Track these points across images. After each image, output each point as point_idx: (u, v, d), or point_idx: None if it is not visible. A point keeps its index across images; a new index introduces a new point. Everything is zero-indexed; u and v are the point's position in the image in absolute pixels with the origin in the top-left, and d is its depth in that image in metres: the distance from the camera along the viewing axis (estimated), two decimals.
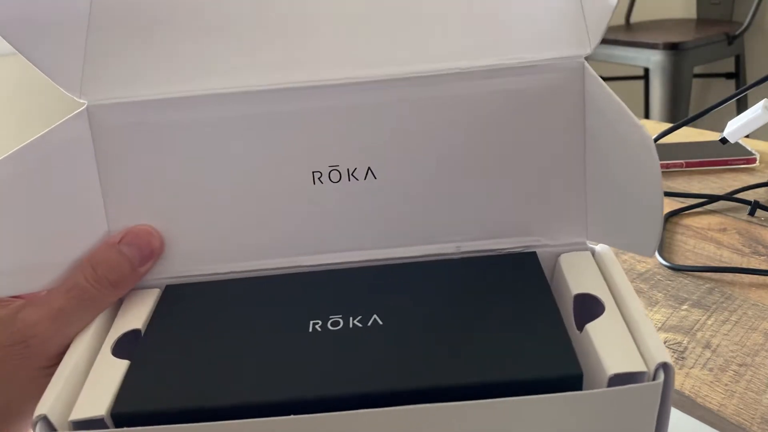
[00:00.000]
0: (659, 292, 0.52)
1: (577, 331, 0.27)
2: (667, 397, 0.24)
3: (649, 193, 0.28)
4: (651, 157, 0.27)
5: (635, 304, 0.27)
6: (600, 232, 0.31)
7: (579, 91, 0.30)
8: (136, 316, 0.29)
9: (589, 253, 0.31)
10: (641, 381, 0.24)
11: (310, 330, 0.27)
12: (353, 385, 0.24)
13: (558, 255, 0.31)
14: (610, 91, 0.29)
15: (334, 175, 0.31)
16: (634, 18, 2.18)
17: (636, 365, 0.24)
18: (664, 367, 0.24)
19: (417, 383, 0.24)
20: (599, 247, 0.31)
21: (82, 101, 0.30)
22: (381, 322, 0.27)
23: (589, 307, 0.28)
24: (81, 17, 0.31)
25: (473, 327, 0.27)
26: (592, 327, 0.26)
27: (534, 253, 0.31)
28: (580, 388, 0.24)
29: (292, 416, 0.23)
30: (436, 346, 0.26)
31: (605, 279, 0.29)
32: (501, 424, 0.24)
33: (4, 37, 0.28)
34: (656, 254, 0.57)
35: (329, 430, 0.24)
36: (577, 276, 0.29)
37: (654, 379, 0.24)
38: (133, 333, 0.29)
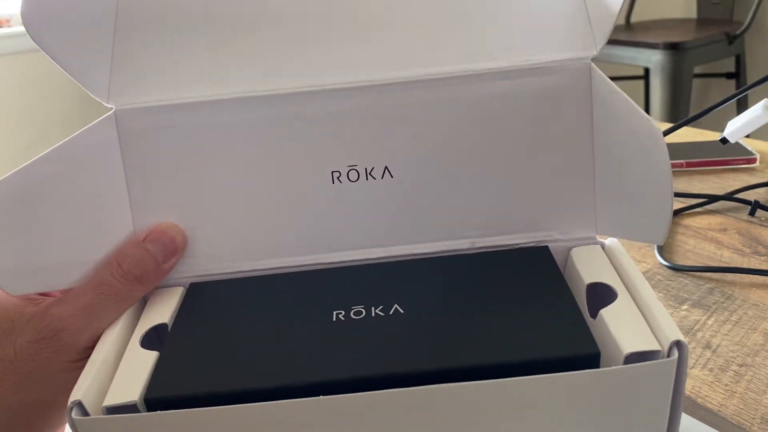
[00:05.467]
0: (659, 292, 0.52)
1: (591, 319, 0.28)
2: (681, 374, 0.25)
3: (658, 180, 0.29)
4: (659, 145, 0.28)
5: (646, 290, 0.28)
6: (609, 226, 0.32)
7: (586, 91, 0.31)
8: (162, 311, 0.30)
9: (599, 246, 0.32)
10: (656, 359, 0.25)
11: (334, 319, 0.28)
12: (378, 366, 0.25)
13: (569, 249, 0.32)
14: (617, 88, 0.30)
15: (353, 175, 0.32)
16: (635, 18, 2.18)
17: (650, 344, 0.25)
18: (678, 344, 0.25)
19: (439, 364, 0.25)
20: (608, 241, 0.32)
21: (109, 106, 0.31)
22: (402, 311, 0.28)
23: (601, 296, 0.29)
24: (108, 21, 0.32)
25: (492, 312, 0.28)
26: (606, 312, 0.27)
27: (546, 247, 0.32)
28: (597, 368, 0.25)
29: (320, 397, 0.24)
30: (456, 331, 0.27)
31: (616, 269, 0.31)
32: (520, 402, 0.25)
33: (37, 43, 0.30)
34: (656, 254, 0.57)
35: (355, 409, 0.24)
36: (589, 267, 0.31)
37: (668, 356, 0.25)
38: (161, 327, 0.30)
